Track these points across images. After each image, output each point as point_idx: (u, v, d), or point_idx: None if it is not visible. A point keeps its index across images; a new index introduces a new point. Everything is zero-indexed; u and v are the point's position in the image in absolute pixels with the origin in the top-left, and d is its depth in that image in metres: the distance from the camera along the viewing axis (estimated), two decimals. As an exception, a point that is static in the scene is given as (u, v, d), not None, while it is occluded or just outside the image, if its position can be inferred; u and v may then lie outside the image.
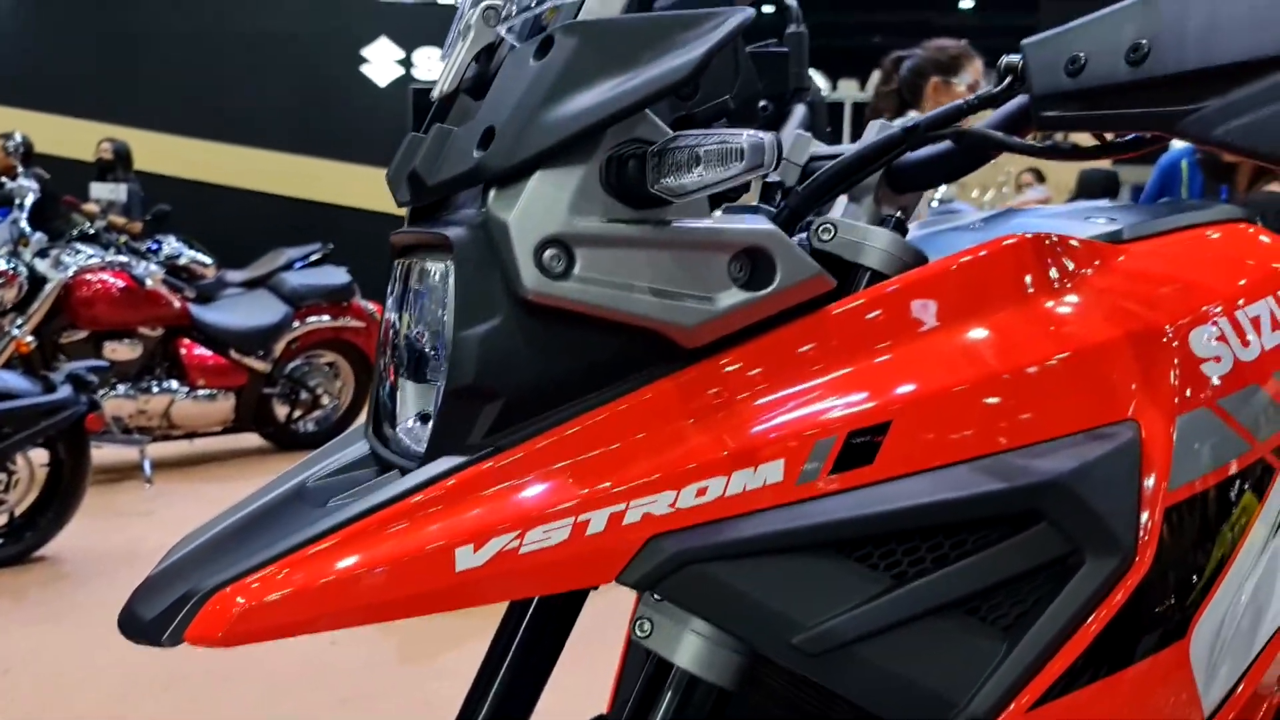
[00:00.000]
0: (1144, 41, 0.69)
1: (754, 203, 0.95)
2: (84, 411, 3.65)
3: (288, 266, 5.87)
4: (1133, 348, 0.76)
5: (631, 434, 0.73)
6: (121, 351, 4.86)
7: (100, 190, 6.36)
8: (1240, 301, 0.83)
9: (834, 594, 0.71)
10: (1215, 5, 0.66)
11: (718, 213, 0.79)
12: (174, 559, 0.78)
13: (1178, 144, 4.24)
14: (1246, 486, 0.79)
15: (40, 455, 3.72)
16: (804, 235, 0.85)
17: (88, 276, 4.81)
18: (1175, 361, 0.77)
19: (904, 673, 0.70)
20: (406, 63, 7.99)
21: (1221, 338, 0.80)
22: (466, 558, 0.68)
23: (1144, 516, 0.72)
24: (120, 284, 4.88)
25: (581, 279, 0.71)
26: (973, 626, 0.72)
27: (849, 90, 14.48)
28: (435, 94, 0.83)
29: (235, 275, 5.95)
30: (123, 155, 6.86)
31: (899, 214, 0.88)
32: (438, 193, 0.78)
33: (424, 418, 0.81)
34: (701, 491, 0.71)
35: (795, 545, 0.71)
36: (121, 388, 4.84)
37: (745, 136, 0.67)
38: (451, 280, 0.74)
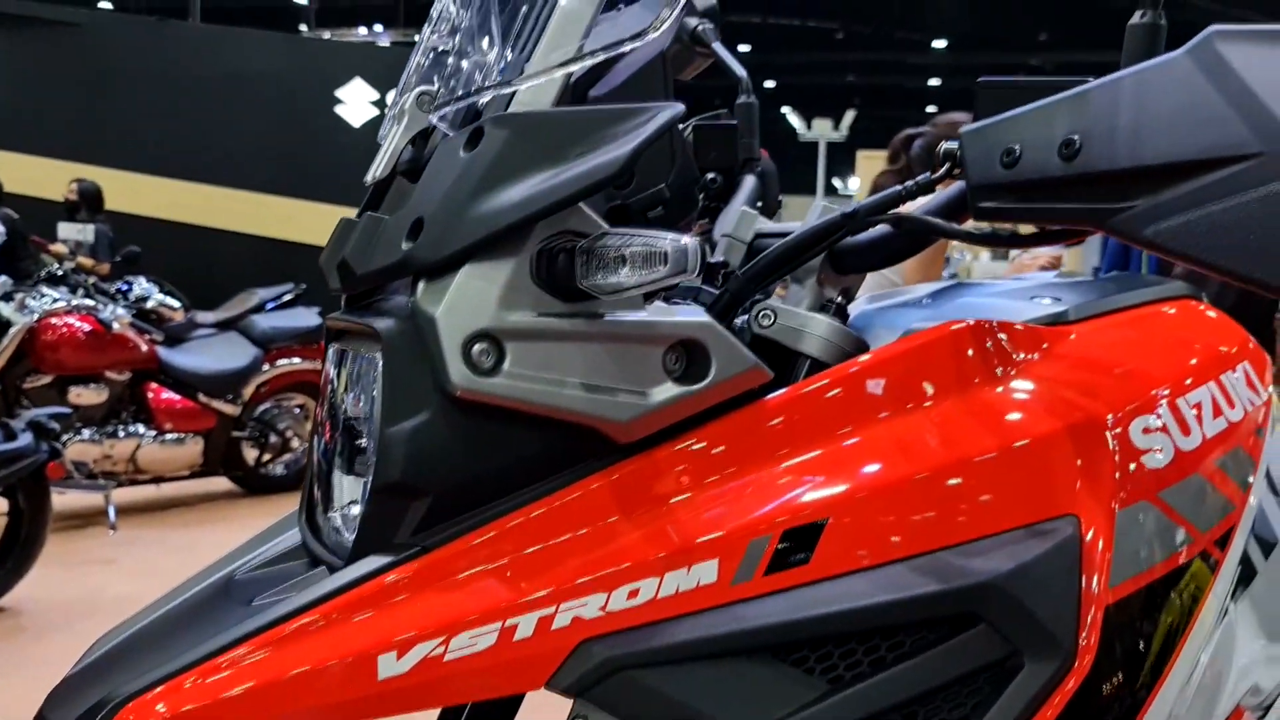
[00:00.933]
0: (1076, 137, 0.69)
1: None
2: (45, 459, 3.59)
3: (259, 308, 5.83)
4: (1072, 440, 0.75)
5: (562, 533, 0.71)
6: (87, 396, 4.80)
7: (68, 231, 6.30)
8: (1182, 388, 0.83)
9: (768, 701, 0.69)
10: (1143, 104, 0.66)
11: (659, 302, 0.78)
12: (93, 658, 0.76)
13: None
14: (1190, 579, 0.78)
15: (-1, 504, 3.66)
16: (746, 319, 0.84)
17: (53, 320, 4.75)
18: (1116, 453, 0.76)
19: None
20: (380, 104, 8.00)
21: (1163, 428, 0.79)
22: (389, 665, 0.67)
23: (1084, 616, 0.71)
24: (86, 328, 4.83)
25: (511, 374, 0.70)
26: None
27: (823, 130, 14.63)
28: (368, 179, 0.82)
29: (206, 316, 5.90)
30: (90, 196, 6.78)
31: (839, 298, 0.87)
32: (367, 283, 0.77)
33: (357, 507, 0.79)
34: (633, 593, 0.69)
35: (729, 650, 0.69)
36: (86, 432, 4.78)
37: (669, 241, 0.66)
38: (380, 373, 0.73)
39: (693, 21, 1.24)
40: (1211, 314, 0.97)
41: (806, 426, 0.75)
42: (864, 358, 0.78)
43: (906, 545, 0.71)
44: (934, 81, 29.12)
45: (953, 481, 0.73)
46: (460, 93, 0.78)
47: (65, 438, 4.57)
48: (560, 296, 0.70)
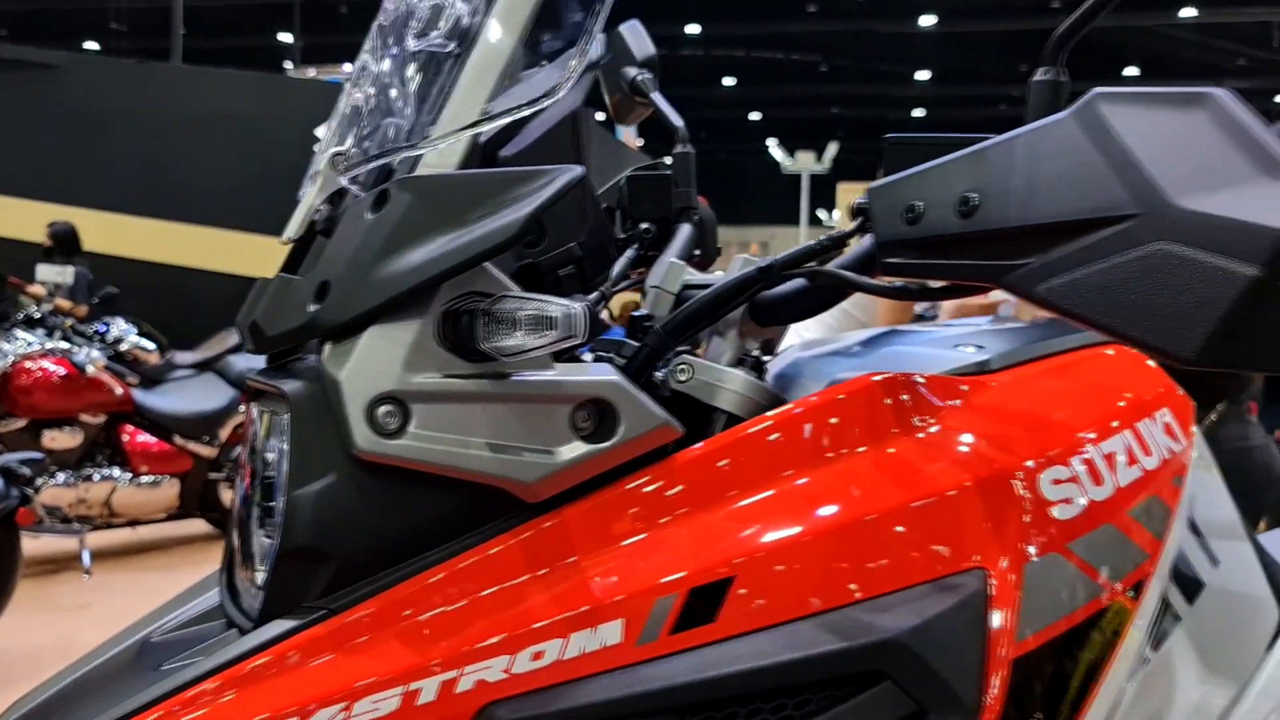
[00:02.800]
0: (973, 195, 0.69)
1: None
2: (14, 506, 3.57)
3: (238, 348, 5.82)
4: (981, 493, 0.75)
5: (468, 595, 0.71)
6: (61, 439, 4.77)
7: (46, 273, 6.29)
8: (1096, 438, 0.83)
9: None
10: (1034, 164, 0.66)
11: (572, 361, 0.78)
12: None
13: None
14: (1101, 630, 0.78)
15: (-31, 551, 3.63)
16: (665, 372, 0.84)
17: (27, 364, 4.74)
18: (1025, 505, 0.76)
19: None
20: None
21: (1074, 478, 0.79)
22: None
23: (990, 671, 0.71)
24: (60, 371, 4.81)
25: (416, 436, 0.70)
26: None
27: (806, 162, 14.73)
28: (283, 239, 0.83)
29: (185, 357, 5.89)
30: (65, 238, 6.77)
31: (758, 351, 0.87)
32: (275, 344, 0.77)
33: None
34: (538, 655, 0.69)
35: (633, 711, 0.68)
36: (61, 476, 4.75)
37: (558, 306, 0.66)
38: (287, 436, 0.73)
39: (632, 72, 1.25)
40: (1141, 360, 0.98)
41: (715, 483, 0.75)
42: (775, 414, 0.78)
43: (812, 602, 0.71)
44: (918, 113, 29.40)
45: (860, 537, 0.73)
46: (371, 154, 0.78)
47: (39, 481, 4.56)
48: (465, 358, 0.71)
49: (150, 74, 8.17)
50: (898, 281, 0.82)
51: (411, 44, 0.80)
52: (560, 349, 0.68)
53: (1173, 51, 21.13)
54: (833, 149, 14.91)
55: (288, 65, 20.19)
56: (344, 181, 0.78)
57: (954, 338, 0.97)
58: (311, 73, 19.99)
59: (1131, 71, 22.39)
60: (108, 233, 7.35)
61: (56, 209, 7.24)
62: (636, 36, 1.27)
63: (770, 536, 0.72)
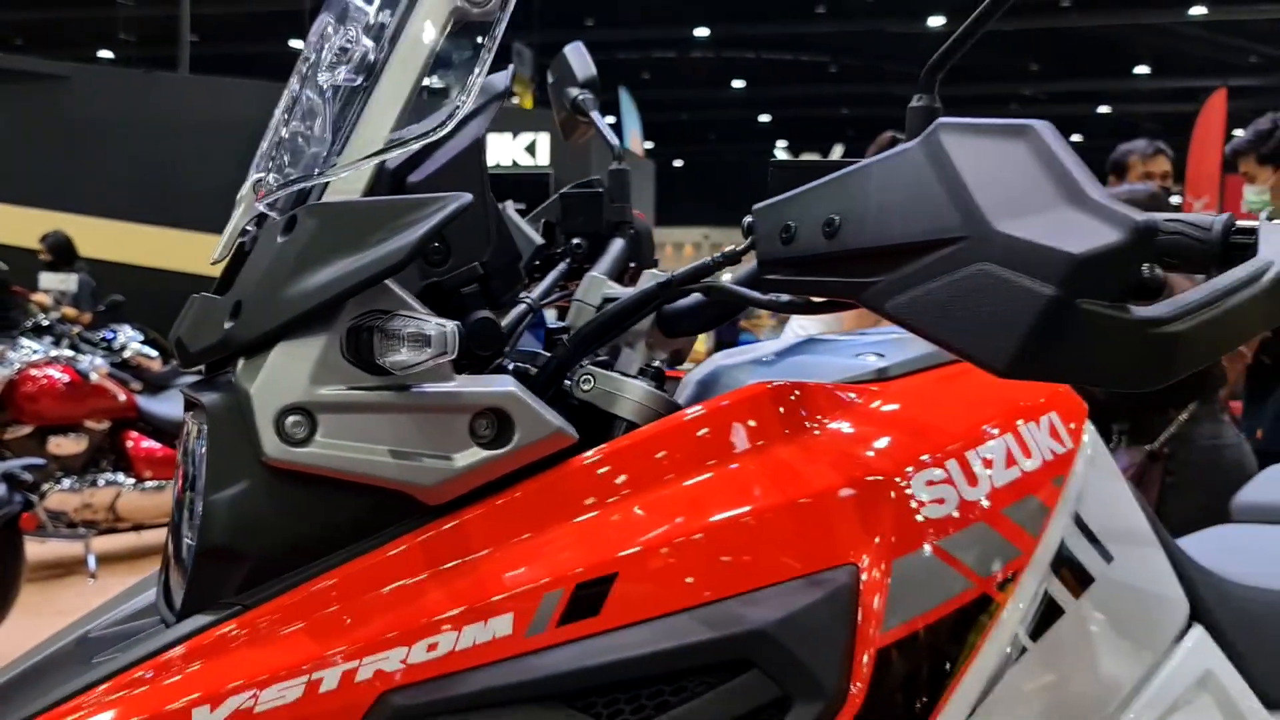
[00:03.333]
0: (836, 217, 0.75)
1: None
2: (18, 510, 3.65)
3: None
4: (855, 495, 0.80)
5: (371, 590, 0.76)
6: (66, 445, 4.86)
7: (50, 281, 6.38)
8: (974, 442, 0.88)
9: None
10: (886, 188, 0.72)
11: (478, 373, 0.84)
12: None
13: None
14: (967, 622, 0.83)
15: (-27, 556, 3.71)
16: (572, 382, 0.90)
17: (32, 372, 4.83)
18: (896, 506, 0.81)
19: None
20: (363, 149, 8.15)
21: (947, 480, 0.84)
22: (203, 718, 0.72)
23: (856, 659, 0.76)
24: (64, 379, 4.90)
25: (323, 444, 0.75)
26: None
27: (811, 163, 14.80)
28: (211, 260, 0.88)
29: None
30: (61, 247, 6.84)
31: (658, 362, 0.93)
32: (197, 360, 0.83)
33: None
34: (433, 646, 0.74)
35: (521, 698, 0.74)
36: (66, 481, 4.84)
37: (432, 325, 0.72)
38: (205, 444, 0.78)
39: (574, 92, 1.31)
40: None
41: (604, 486, 0.80)
42: (665, 421, 0.83)
43: (690, 596, 0.76)
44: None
45: (737, 536, 0.78)
46: (284, 179, 0.84)
47: (45, 487, 4.64)
48: (369, 371, 0.76)
49: (156, 83, 8.28)
50: (783, 295, 0.87)
51: (323, 78, 0.85)
52: (439, 364, 0.74)
53: (1183, 49, 21.06)
54: (838, 151, 14.95)
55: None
56: (261, 207, 0.84)
57: (862, 345, 1.02)
58: (322, 79, 20.11)
59: (1143, 70, 22.36)
60: (114, 240, 7.46)
61: (64, 217, 7.35)
62: (579, 58, 1.33)
63: (652, 535, 0.78)
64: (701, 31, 24.51)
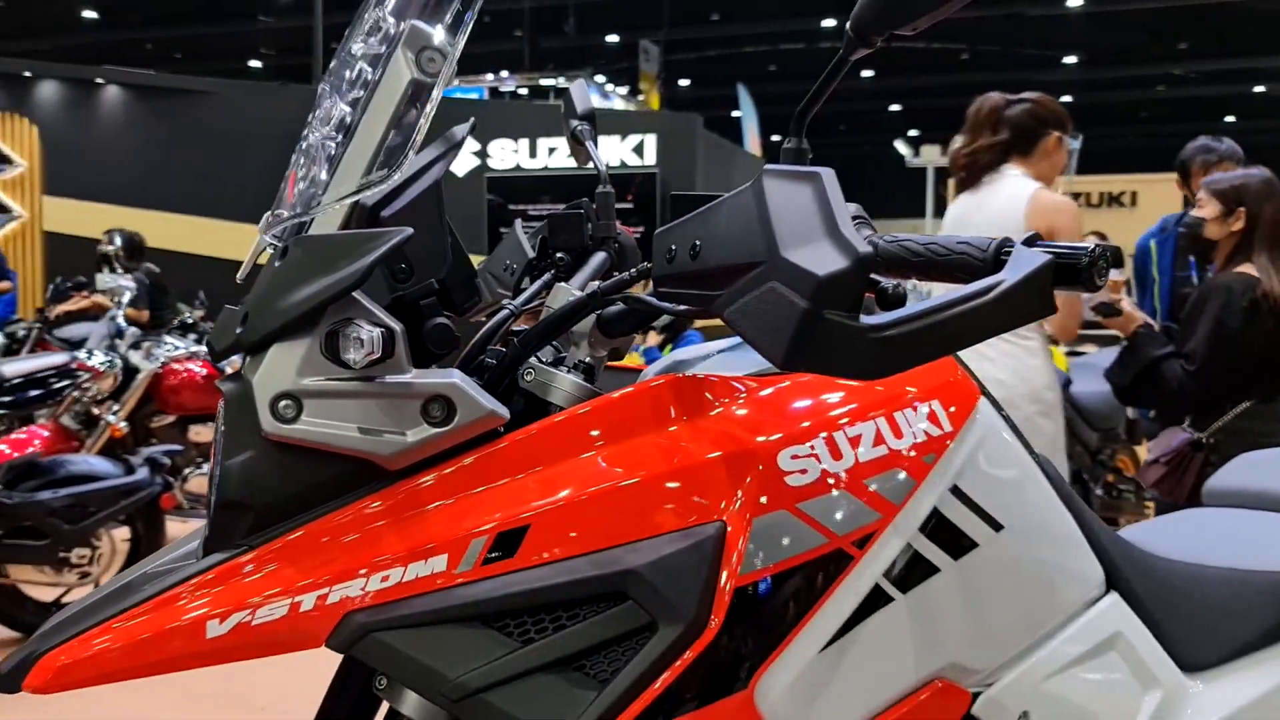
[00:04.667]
0: (699, 242, 0.94)
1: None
2: (159, 491, 4.07)
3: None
4: (727, 465, 0.99)
5: (343, 535, 0.98)
6: (205, 433, 5.32)
7: (106, 280, 6.74)
8: (843, 422, 1.05)
9: (474, 655, 0.95)
10: (730, 219, 0.90)
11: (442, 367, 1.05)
12: (43, 628, 1.07)
13: (1150, 225, 4.33)
14: (818, 571, 1.00)
15: (122, 532, 4.15)
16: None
17: (174, 366, 5.31)
18: (762, 474, 0.99)
19: (519, 713, 0.94)
20: (482, 154, 8.52)
21: (812, 454, 1.01)
22: (215, 628, 0.95)
23: (714, 596, 0.95)
24: (203, 372, 5.36)
25: (307, 422, 0.98)
26: (576, 679, 0.95)
27: (931, 155, 14.61)
28: (238, 278, 1.12)
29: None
30: (131, 246, 7.12)
31: (588, 358, 1.13)
32: (221, 357, 1.07)
33: None
34: (385, 578, 0.96)
35: (450, 618, 0.95)
36: (204, 466, 5.29)
37: (365, 331, 0.94)
38: (224, 422, 1.02)
39: (574, 123, 1.53)
40: (950, 362, 1.18)
41: (527, 457, 1.01)
42: (580, 406, 1.03)
43: (586, 544, 0.96)
44: (1066, 98, 28.52)
45: (629, 498, 0.97)
46: (286, 216, 1.07)
47: (186, 471, 5.10)
48: (341, 365, 0.98)
49: (291, 95, 8.84)
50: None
51: (316, 135, 1.08)
52: (373, 364, 0.95)
53: (1232, 27, 19.97)
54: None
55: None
56: (267, 239, 1.07)
57: None
58: (456, 82, 20.90)
59: (1076, 3, 21.36)
60: (243, 241, 8.01)
61: (206, 222, 7.93)
62: (581, 94, 1.54)
63: (560, 496, 0.98)
64: (829, 22, 24.38)
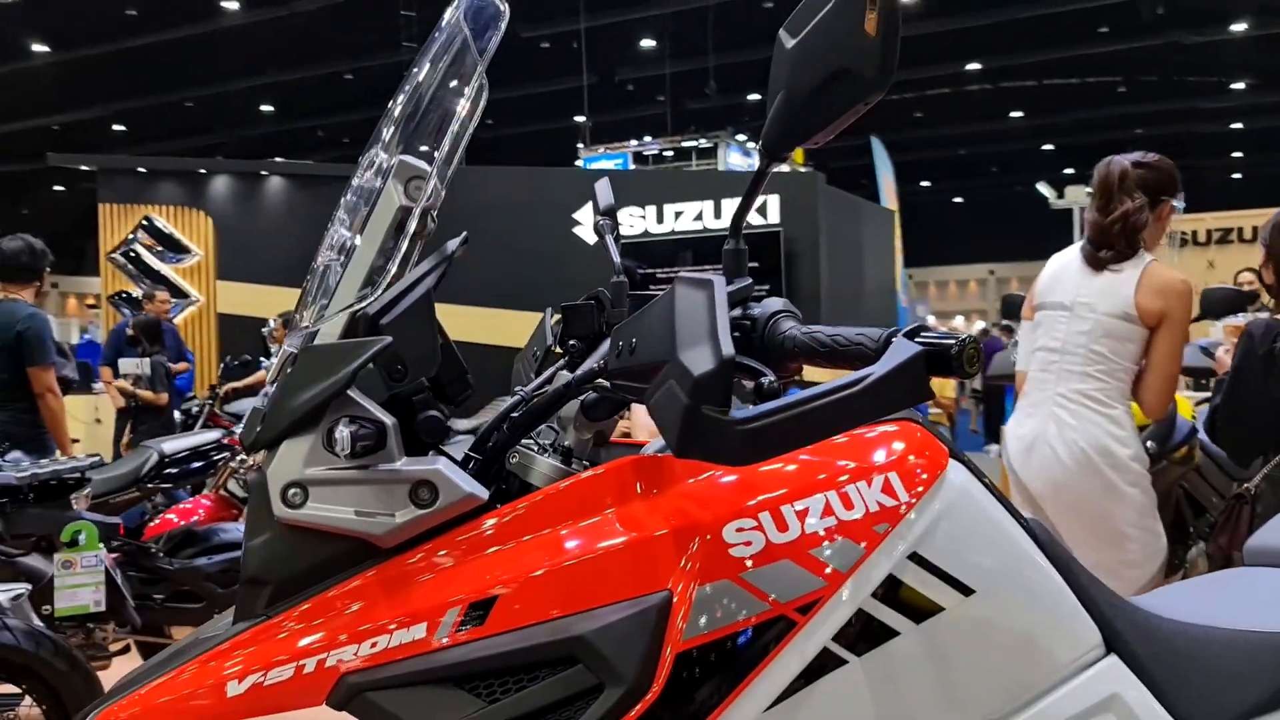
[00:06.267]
0: (635, 340, 1.05)
1: None
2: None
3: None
4: (675, 538, 1.09)
5: (342, 607, 1.12)
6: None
7: (128, 366, 7.04)
8: (792, 497, 1.12)
9: (446, 713, 1.06)
10: (654, 322, 1.01)
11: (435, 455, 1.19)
12: (115, 685, 1.24)
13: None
14: (760, 636, 1.08)
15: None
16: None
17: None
18: (707, 546, 1.08)
19: None
20: (612, 222, 8.82)
21: (757, 527, 1.10)
22: (234, 688, 1.10)
23: (658, 660, 1.04)
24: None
25: (313, 507, 1.13)
26: None
27: (1076, 196, 14.18)
28: (266, 384, 1.29)
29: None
30: (148, 328, 7.44)
31: (568, 443, 1.25)
32: (249, 451, 1.23)
33: None
34: (374, 644, 1.09)
35: (427, 680, 1.07)
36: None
37: (341, 429, 1.08)
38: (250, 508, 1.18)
39: (596, 218, 1.67)
40: (917, 432, 1.24)
41: (501, 534, 1.13)
42: (551, 488, 1.15)
43: (546, 612, 1.07)
44: (1236, 125, 27.23)
45: (586, 570, 1.08)
46: (300, 327, 1.24)
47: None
48: (340, 456, 1.13)
49: (465, 177, 9.43)
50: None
51: (323, 259, 1.25)
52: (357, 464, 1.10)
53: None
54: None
55: (580, 145, 21.79)
56: (286, 347, 1.23)
57: None
58: (600, 149, 21.53)
59: (1239, 27, 19.92)
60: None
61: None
62: (603, 191, 1.69)
63: (526, 569, 1.09)
64: (973, 66, 24.05)
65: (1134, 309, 3.02)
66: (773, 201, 8.36)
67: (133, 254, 10.69)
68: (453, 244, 1.33)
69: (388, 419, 1.12)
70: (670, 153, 21.25)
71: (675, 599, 1.07)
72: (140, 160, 13.07)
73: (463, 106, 1.25)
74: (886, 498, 1.17)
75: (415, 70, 1.31)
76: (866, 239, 9.68)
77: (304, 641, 1.11)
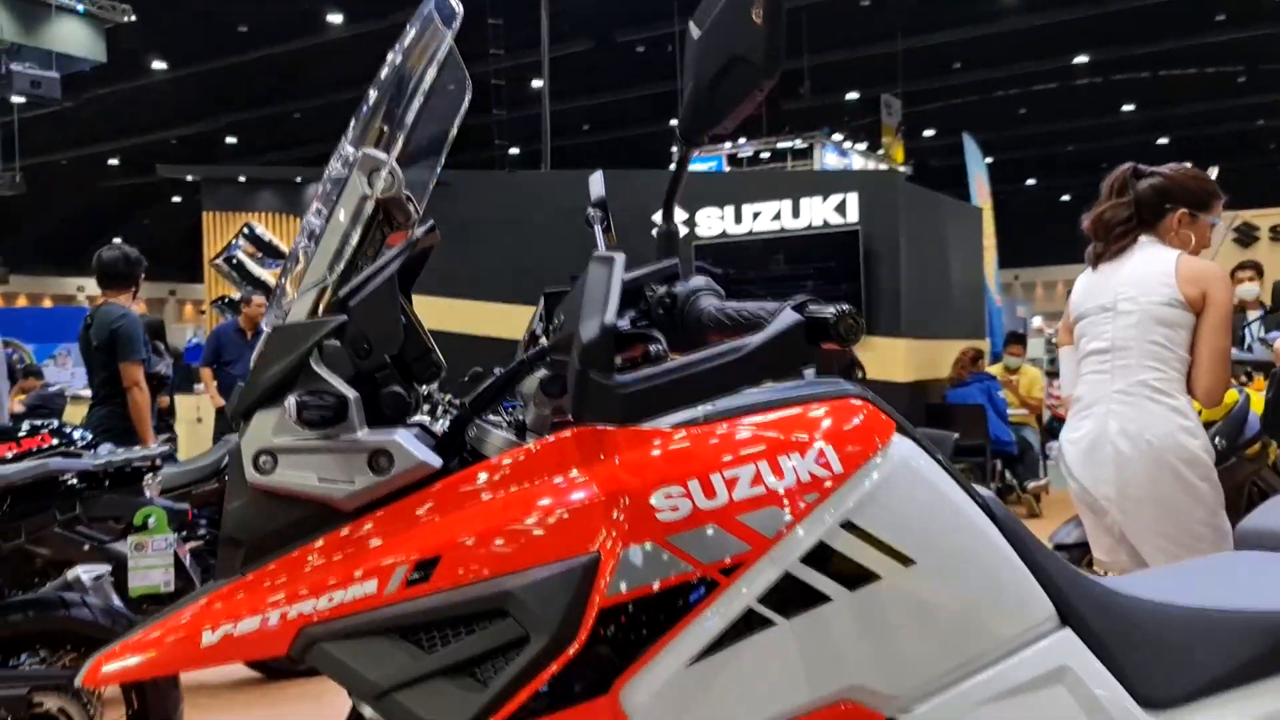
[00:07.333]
0: (563, 316, 1.12)
1: None
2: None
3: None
4: (605, 504, 1.15)
5: (304, 565, 1.21)
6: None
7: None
8: (721, 466, 1.17)
9: (391, 661, 1.14)
10: (572, 300, 1.08)
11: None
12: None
13: None
14: (682, 595, 1.13)
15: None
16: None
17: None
18: (634, 511, 1.14)
19: (419, 711, 1.13)
20: (690, 222, 8.87)
21: (685, 494, 1.15)
22: (208, 637, 1.19)
23: (585, 613, 1.10)
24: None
25: (281, 473, 1.22)
26: (466, 683, 1.12)
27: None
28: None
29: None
30: (154, 329, 7.57)
31: (528, 418, 1.32)
32: (232, 421, 1.33)
33: None
34: (331, 599, 1.17)
35: (376, 631, 1.15)
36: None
37: (290, 399, 1.16)
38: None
39: (589, 210, 1.74)
40: (857, 406, 1.28)
41: (449, 500, 1.20)
42: (496, 458, 1.22)
43: (484, 571, 1.14)
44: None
45: (522, 533, 1.15)
46: (275, 310, 1.33)
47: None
48: (307, 427, 1.22)
49: (520, 181, 9.59)
50: None
51: (299, 245, 1.34)
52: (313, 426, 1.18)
53: None
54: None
55: (674, 149, 21.85)
56: (263, 326, 1.33)
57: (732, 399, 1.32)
58: (695, 153, 21.54)
59: None
60: (486, 319, 8.68)
61: (453, 302, 8.66)
62: (595, 184, 1.76)
63: (467, 531, 1.17)
64: (1080, 59, 23.44)
65: (1179, 295, 2.99)
66: (851, 200, 8.30)
67: (234, 260, 11.16)
68: (419, 231, 1.41)
69: (350, 393, 1.21)
70: (765, 154, 21.15)
71: (602, 559, 1.13)
72: (241, 169, 13.62)
73: (425, 100, 1.33)
74: (819, 468, 1.21)
75: (387, 66, 1.40)
76: (952, 238, 9.53)
77: (270, 597, 1.20)
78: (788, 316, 0.96)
